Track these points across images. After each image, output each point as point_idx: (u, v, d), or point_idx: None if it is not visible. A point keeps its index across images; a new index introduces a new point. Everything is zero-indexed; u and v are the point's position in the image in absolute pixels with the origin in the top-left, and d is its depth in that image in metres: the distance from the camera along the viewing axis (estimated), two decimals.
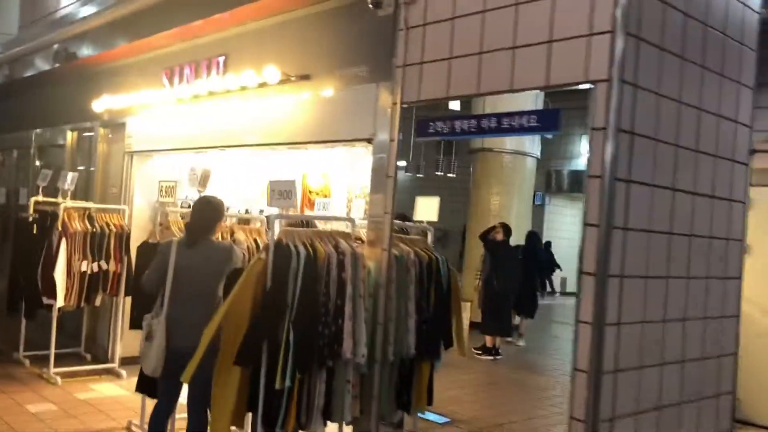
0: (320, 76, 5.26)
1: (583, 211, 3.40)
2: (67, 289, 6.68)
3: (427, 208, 4.95)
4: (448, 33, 4.19)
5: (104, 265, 6.81)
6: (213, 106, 6.21)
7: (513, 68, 3.81)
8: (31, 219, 7.31)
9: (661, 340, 3.74)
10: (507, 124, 3.77)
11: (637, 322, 3.58)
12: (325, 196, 9.77)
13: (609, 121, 3.32)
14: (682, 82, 3.79)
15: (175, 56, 6.80)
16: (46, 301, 6.82)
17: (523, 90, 3.78)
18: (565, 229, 18.20)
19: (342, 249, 4.26)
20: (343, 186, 10.07)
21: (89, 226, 6.82)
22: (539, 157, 13.30)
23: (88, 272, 6.74)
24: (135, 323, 5.30)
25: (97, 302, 6.97)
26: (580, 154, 17.68)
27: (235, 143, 6.02)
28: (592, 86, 3.41)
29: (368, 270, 4.40)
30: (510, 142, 12.27)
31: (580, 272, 3.40)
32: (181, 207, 6.20)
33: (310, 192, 9.66)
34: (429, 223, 4.99)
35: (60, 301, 6.68)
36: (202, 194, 4.89)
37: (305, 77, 5.32)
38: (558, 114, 3.67)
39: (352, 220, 4.70)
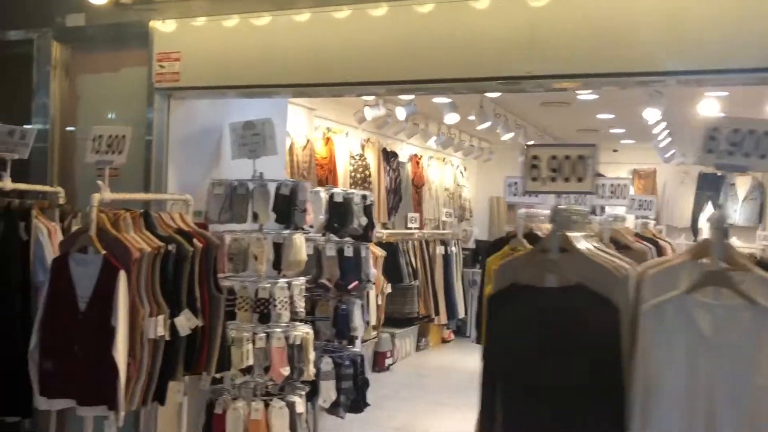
0: None
1: None
2: (128, 378, 3.11)
3: None
4: None
5: (192, 321, 3.33)
6: None
7: None
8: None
9: None
10: None
11: None
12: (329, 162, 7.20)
13: None
14: None
15: None
16: (88, 411, 3.13)
17: None
18: None
19: None
20: (344, 149, 7.61)
21: (156, 241, 3.27)
22: None
23: (166, 338, 3.23)
24: None
25: (178, 399, 3.43)
26: None
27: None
28: None
29: None
30: None
31: None
32: None
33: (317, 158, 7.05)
34: None
35: (122, 406, 3.07)
36: None
37: None
38: None
39: None
